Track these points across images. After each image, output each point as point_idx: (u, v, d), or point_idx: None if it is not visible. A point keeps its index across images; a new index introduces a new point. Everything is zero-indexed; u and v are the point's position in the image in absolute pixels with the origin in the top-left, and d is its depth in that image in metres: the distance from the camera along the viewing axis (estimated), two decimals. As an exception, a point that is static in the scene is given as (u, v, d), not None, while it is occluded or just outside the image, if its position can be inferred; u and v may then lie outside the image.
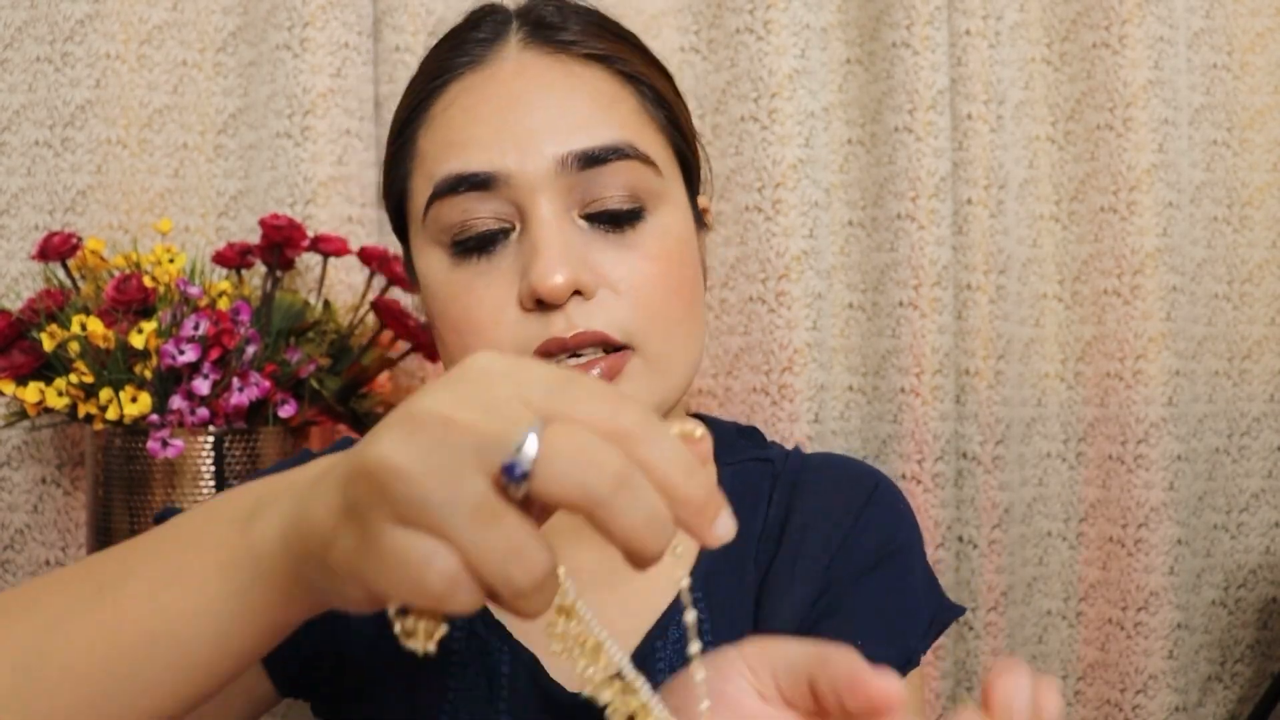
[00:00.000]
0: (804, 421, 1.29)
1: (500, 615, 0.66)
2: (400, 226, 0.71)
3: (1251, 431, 1.50)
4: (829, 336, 1.34)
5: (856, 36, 1.37)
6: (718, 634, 0.67)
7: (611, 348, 0.62)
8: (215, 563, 0.41)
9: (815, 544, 0.68)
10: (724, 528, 0.36)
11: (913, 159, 1.31)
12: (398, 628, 0.37)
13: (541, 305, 0.60)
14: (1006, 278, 1.39)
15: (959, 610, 0.71)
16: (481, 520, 0.33)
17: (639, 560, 0.36)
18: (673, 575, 0.68)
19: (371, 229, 1.27)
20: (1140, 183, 1.38)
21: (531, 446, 0.33)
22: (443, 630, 0.37)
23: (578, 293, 0.60)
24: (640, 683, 0.39)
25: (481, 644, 0.66)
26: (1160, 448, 1.38)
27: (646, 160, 0.63)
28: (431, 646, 0.37)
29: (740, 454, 0.74)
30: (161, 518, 0.67)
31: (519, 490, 0.33)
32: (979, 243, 1.35)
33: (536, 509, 0.37)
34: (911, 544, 0.71)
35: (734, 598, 0.68)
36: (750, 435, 0.78)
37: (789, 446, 0.77)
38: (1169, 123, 1.39)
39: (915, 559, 0.71)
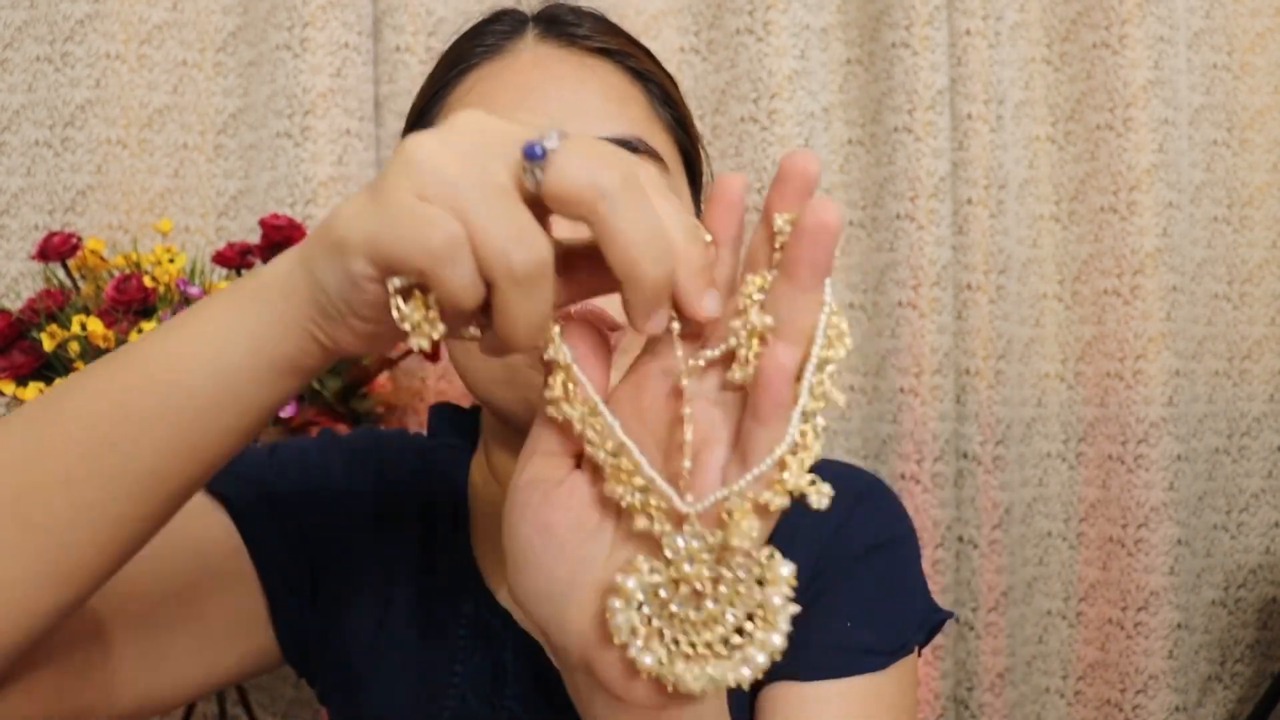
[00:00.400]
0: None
1: (505, 602, 0.67)
2: None
3: (1251, 431, 1.50)
4: (829, 336, 1.34)
5: (856, 37, 1.37)
6: None
7: (611, 327, 0.62)
8: (222, 304, 0.42)
9: (806, 536, 0.68)
10: (713, 301, 0.38)
11: (912, 159, 1.31)
12: (396, 312, 0.37)
13: None
14: (1006, 278, 1.39)
15: (948, 614, 0.71)
16: (492, 199, 0.35)
17: (636, 277, 0.36)
18: None
19: (371, 229, 1.27)
20: (1140, 183, 1.38)
21: (553, 140, 0.36)
22: (440, 328, 0.38)
23: None
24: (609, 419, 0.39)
25: (486, 631, 0.66)
26: (1160, 448, 1.38)
27: (656, 157, 0.64)
28: (425, 341, 0.38)
29: None
30: None
31: (536, 176, 0.35)
32: (979, 243, 1.35)
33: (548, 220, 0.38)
34: (905, 540, 0.70)
35: None
36: None
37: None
38: (1169, 123, 1.39)
39: (909, 555, 0.71)
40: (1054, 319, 1.45)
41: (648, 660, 0.38)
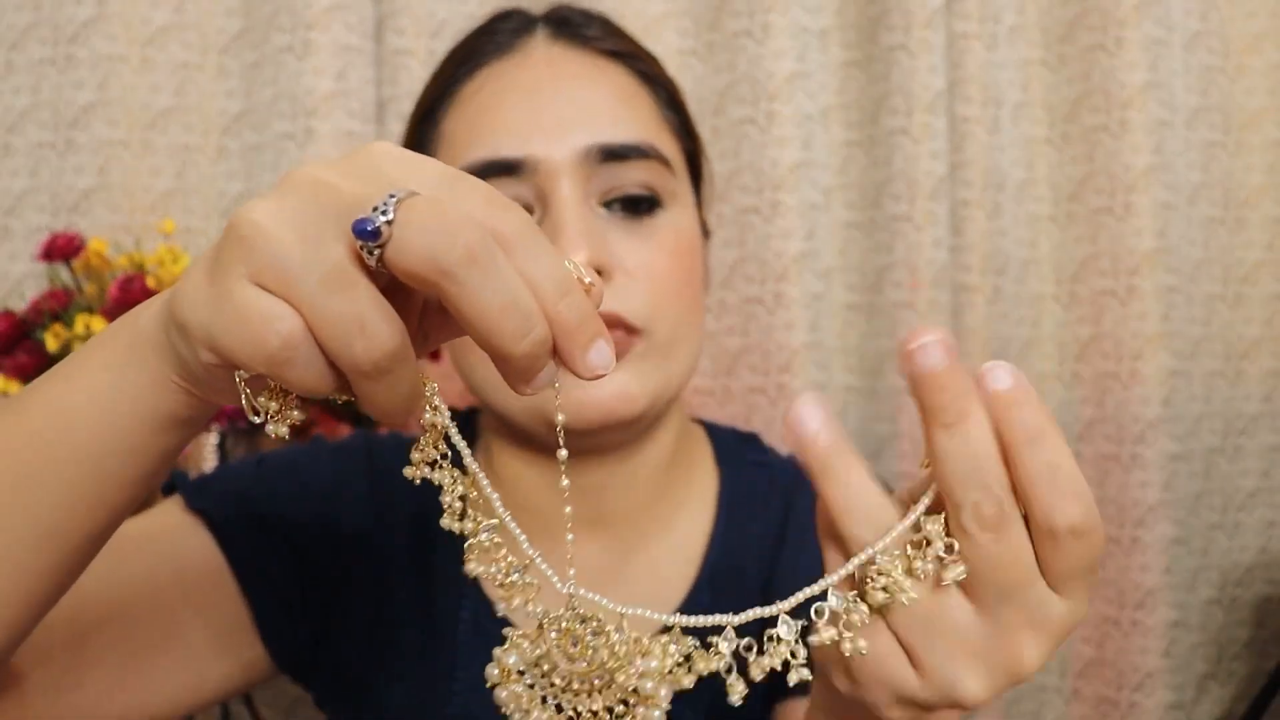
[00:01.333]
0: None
1: (505, 610, 0.67)
2: None
3: (1248, 431, 1.51)
4: (827, 337, 1.35)
5: (854, 39, 1.38)
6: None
7: (625, 331, 0.63)
8: (102, 356, 0.41)
9: (807, 556, 0.69)
10: (598, 356, 0.35)
11: (910, 161, 1.31)
12: (245, 403, 0.36)
13: None
14: (1004, 279, 1.40)
15: None
16: (330, 285, 0.32)
17: (500, 354, 0.34)
18: (681, 579, 0.69)
19: (373, 230, 1.28)
20: (1137, 184, 1.39)
21: (389, 212, 0.32)
22: (295, 415, 0.36)
23: (597, 273, 0.61)
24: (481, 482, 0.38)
25: (487, 639, 0.66)
26: (1156, 447, 1.39)
27: (664, 160, 0.65)
28: (281, 429, 0.36)
29: (741, 460, 0.75)
30: (170, 488, 0.67)
31: (372, 254, 0.32)
32: (976, 244, 1.36)
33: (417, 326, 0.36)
34: None
35: (739, 598, 0.69)
36: (750, 442, 0.79)
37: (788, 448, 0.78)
38: (1166, 124, 1.40)
39: None
40: (1051, 319, 1.46)
41: None
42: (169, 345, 0.38)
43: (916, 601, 0.36)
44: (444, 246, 0.32)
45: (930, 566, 0.36)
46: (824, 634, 0.37)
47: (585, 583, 0.68)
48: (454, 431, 0.38)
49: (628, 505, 0.68)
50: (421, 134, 0.69)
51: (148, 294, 1.05)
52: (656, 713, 0.38)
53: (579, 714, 0.38)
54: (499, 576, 0.38)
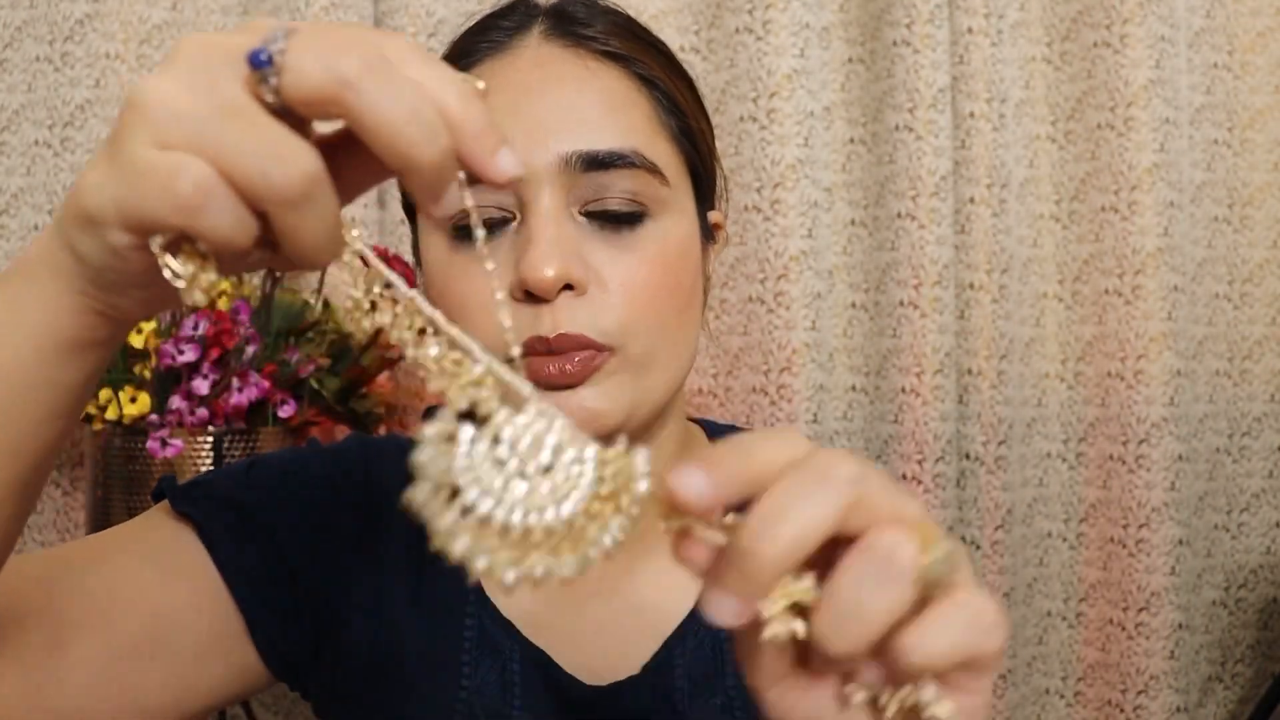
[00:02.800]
0: (803, 422, 1.29)
1: (509, 614, 0.66)
2: (410, 205, 0.71)
3: (1252, 431, 1.50)
4: (829, 336, 1.34)
5: (857, 35, 1.37)
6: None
7: (593, 350, 0.61)
8: None
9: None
10: (506, 162, 0.35)
11: (914, 158, 1.30)
12: (167, 272, 0.35)
13: (531, 297, 0.60)
14: (1008, 277, 1.39)
15: None
16: (232, 121, 0.32)
17: (409, 164, 0.33)
18: (689, 584, 0.68)
19: (372, 229, 1.27)
20: (1141, 182, 1.38)
21: (279, 41, 0.32)
22: (212, 278, 0.35)
23: (569, 287, 0.60)
24: (421, 303, 0.36)
25: (491, 643, 0.66)
26: (1161, 448, 1.38)
27: (652, 169, 0.62)
28: (197, 295, 0.35)
29: None
30: (159, 494, 0.66)
31: (270, 85, 0.32)
32: (980, 242, 1.35)
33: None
34: None
35: None
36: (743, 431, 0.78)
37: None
38: (1170, 122, 1.39)
39: None
40: (1055, 319, 1.45)
41: (458, 548, 0.34)
42: (66, 257, 0.37)
43: None
44: (340, 60, 0.32)
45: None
46: None
47: (586, 593, 0.68)
48: (374, 259, 0.37)
49: None
50: None
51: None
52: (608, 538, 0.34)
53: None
54: (460, 401, 0.35)
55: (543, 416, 0.35)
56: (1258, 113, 1.50)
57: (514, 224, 0.62)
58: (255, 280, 1.15)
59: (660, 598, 0.68)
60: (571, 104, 0.62)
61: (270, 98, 0.33)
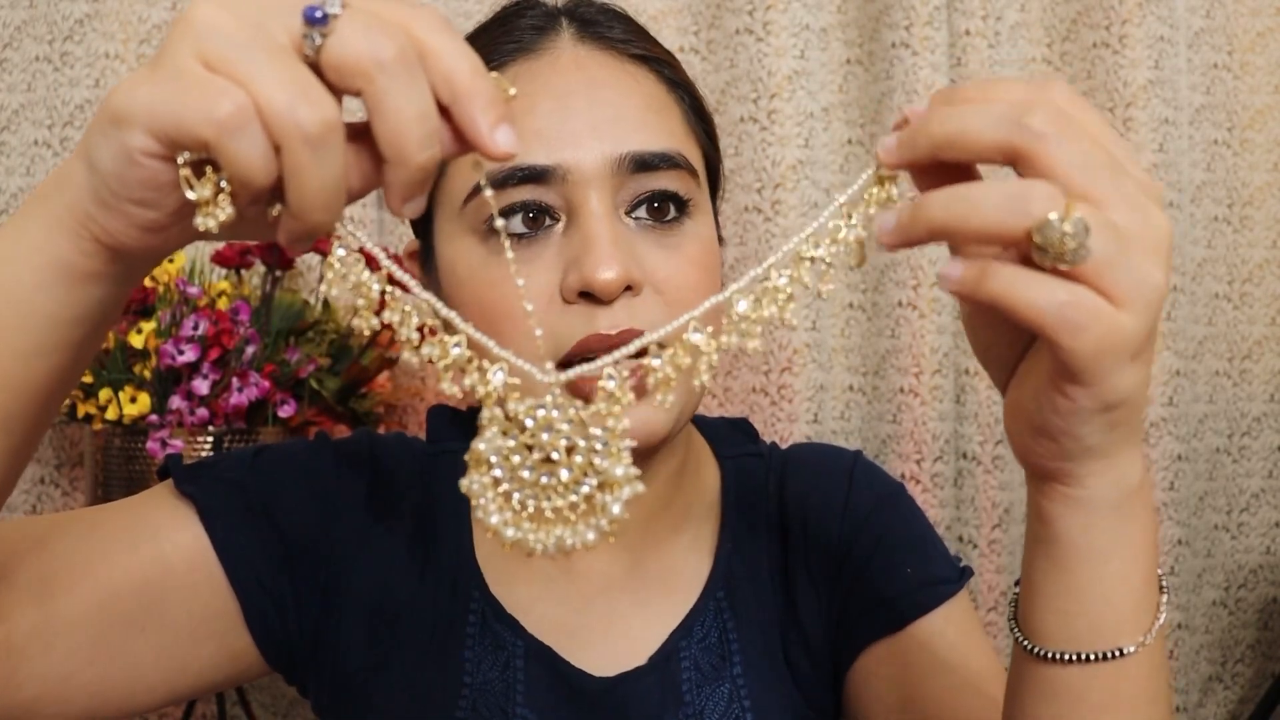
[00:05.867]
0: (803, 421, 1.29)
1: (513, 610, 0.66)
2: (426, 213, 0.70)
3: (1252, 431, 1.50)
4: (828, 337, 1.34)
5: (856, 37, 1.37)
6: (741, 624, 0.68)
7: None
8: (15, 215, 0.41)
9: (819, 518, 0.70)
10: (504, 138, 0.37)
11: (913, 159, 1.30)
12: (185, 185, 0.37)
13: (587, 298, 0.60)
14: (1006, 278, 1.39)
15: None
16: (275, 58, 0.35)
17: (401, 158, 0.36)
18: (695, 577, 0.69)
19: (371, 229, 1.27)
20: (1140, 182, 1.38)
21: (335, 5, 0.35)
22: (229, 210, 0.37)
23: (629, 288, 0.60)
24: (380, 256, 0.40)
25: (495, 639, 0.66)
26: (1161, 447, 1.38)
27: (692, 171, 0.64)
28: (212, 222, 0.37)
29: (736, 449, 0.75)
30: (164, 472, 0.67)
31: (315, 39, 0.35)
32: (979, 242, 1.35)
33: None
34: (901, 489, 0.74)
35: (754, 591, 0.69)
36: (741, 428, 0.78)
37: (786, 448, 0.78)
38: (1169, 122, 1.39)
39: (911, 502, 0.74)
40: (1054, 319, 1.45)
41: (493, 520, 0.39)
42: (78, 166, 0.39)
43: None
44: (383, 44, 0.35)
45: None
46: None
47: (594, 590, 0.68)
48: (367, 243, 0.39)
49: (639, 515, 0.67)
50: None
51: (144, 293, 1.04)
52: (616, 507, 0.38)
53: (544, 511, 0.39)
54: (479, 382, 0.39)
55: (558, 406, 0.38)
56: (1257, 113, 1.50)
57: (559, 225, 0.61)
58: (255, 280, 1.15)
59: (666, 591, 0.68)
60: (618, 106, 0.62)
61: (310, 53, 0.36)
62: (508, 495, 0.39)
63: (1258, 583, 1.50)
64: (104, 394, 1.02)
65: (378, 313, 0.40)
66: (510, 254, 0.40)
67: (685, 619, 0.67)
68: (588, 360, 0.41)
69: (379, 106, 0.36)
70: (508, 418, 0.39)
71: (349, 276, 0.39)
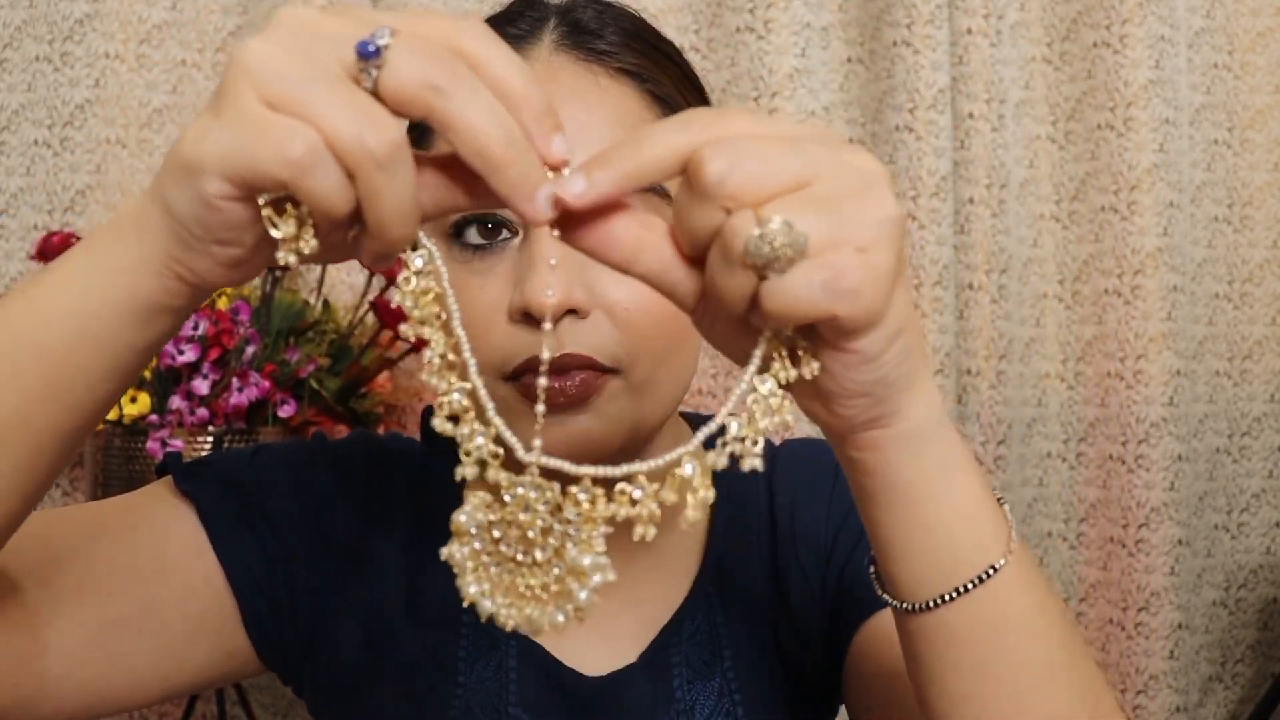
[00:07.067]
0: (804, 421, 1.29)
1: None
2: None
3: (1252, 431, 1.50)
4: (829, 336, 1.34)
5: (857, 35, 1.37)
6: (731, 619, 0.68)
7: (597, 371, 0.60)
8: (84, 247, 0.42)
9: (808, 508, 0.70)
10: (560, 146, 0.38)
11: (913, 158, 1.30)
12: (270, 226, 0.37)
13: (531, 319, 0.58)
14: (1007, 277, 1.39)
15: None
16: (335, 91, 0.36)
17: (491, 160, 0.36)
18: (684, 574, 0.69)
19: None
20: (1141, 182, 1.38)
21: (385, 37, 0.36)
22: (313, 243, 0.38)
23: (572, 311, 0.59)
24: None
25: (488, 640, 0.66)
26: (1161, 448, 1.38)
27: (661, 194, 0.61)
28: (294, 257, 0.38)
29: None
30: (163, 468, 0.67)
31: (371, 73, 0.36)
32: (980, 242, 1.35)
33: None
34: None
35: (744, 588, 0.69)
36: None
37: (778, 444, 0.78)
38: (1170, 122, 1.39)
39: None
40: (1054, 319, 1.45)
41: (471, 590, 0.40)
42: (156, 210, 0.39)
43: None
44: (434, 66, 0.36)
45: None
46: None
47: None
48: (444, 279, 0.39)
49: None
50: (419, 136, 0.67)
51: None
52: (583, 595, 0.39)
53: (517, 587, 0.40)
54: (464, 440, 0.40)
55: (537, 487, 0.39)
56: (1257, 113, 1.50)
57: (516, 239, 0.60)
58: (255, 280, 1.15)
59: (656, 590, 0.68)
60: (581, 123, 0.60)
61: (367, 87, 0.36)
62: (486, 566, 0.40)
63: (1258, 583, 1.50)
64: (104, 394, 1.02)
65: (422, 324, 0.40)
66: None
67: (675, 615, 0.67)
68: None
69: (451, 128, 0.36)
70: (490, 489, 0.39)
71: (430, 290, 0.39)
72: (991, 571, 0.43)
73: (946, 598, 0.43)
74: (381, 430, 1.19)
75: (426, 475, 0.71)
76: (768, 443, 0.77)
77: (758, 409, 0.38)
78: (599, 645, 0.66)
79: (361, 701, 0.67)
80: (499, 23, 0.67)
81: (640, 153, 0.38)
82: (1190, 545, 1.43)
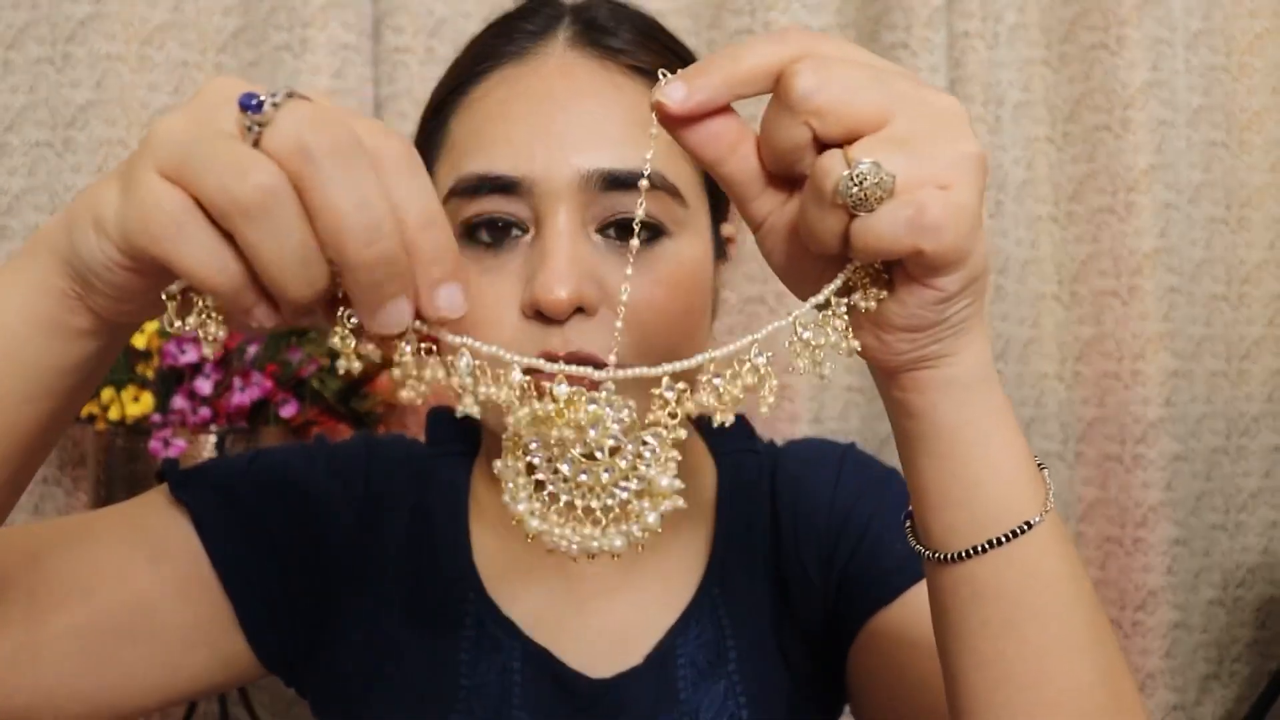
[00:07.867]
0: (804, 421, 1.30)
1: (508, 612, 0.66)
2: None
3: (1249, 431, 1.50)
4: (828, 337, 1.34)
5: (855, 38, 1.37)
6: (736, 620, 0.68)
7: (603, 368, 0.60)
8: (13, 259, 0.42)
9: (810, 503, 0.70)
10: (448, 298, 0.36)
11: (912, 160, 1.31)
12: (167, 324, 0.37)
13: (541, 316, 0.59)
14: (1005, 278, 1.39)
15: None
16: (207, 144, 0.34)
17: (345, 258, 0.34)
18: (689, 576, 0.69)
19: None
20: (1139, 183, 1.39)
21: (278, 97, 0.34)
22: (220, 334, 0.37)
23: (581, 309, 0.59)
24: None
25: (491, 642, 0.66)
26: (1158, 447, 1.39)
27: (673, 192, 0.61)
28: (209, 349, 0.37)
29: (733, 445, 0.74)
30: (162, 475, 0.67)
31: (253, 129, 0.34)
32: (978, 243, 1.35)
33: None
34: (890, 476, 0.73)
35: (749, 589, 0.69)
36: (738, 425, 0.77)
37: (782, 444, 0.78)
38: (1167, 124, 1.40)
39: (903, 485, 0.74)
40: (1052, 319, 1.45)
41: (520, 507, 0.38)
42: (65, 242, 0.39)
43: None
44: (313, 135, 0.33)
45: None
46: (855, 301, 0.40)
47: (590, 592, 0.69)
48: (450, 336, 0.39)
49: None
50: (430, 132, 0.66)
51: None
52: (652, 517, 0.38)
53: (575, 508, 0.38)
54: (498, 393, 0.38)
55: (610, 404, 0.38)
56: (1255, 114, 1.50)
57: (528, 236, 0.60)
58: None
59: (661, 592, 0.68)
60: (595, 120, 0.60)
61: (249, 141, 0.34)
62: (540, 484, 0.38)
63: (1255, 582, 1.50)
64: (107, 394, 1.02)
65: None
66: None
67: (681, 617, 0.67)
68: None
69: (312, 201, 0.33)
70: (555, 402, 0.37)
71: (424, 374, 0.38)
72: (1026, 527, 0.43)
73: (979, 548, 0.44)
74: (382, 430, 1.20)
75: (429, 475, 0.71)
76: (771, 443, 0.77)
77: (829, 326, 0.39)
78: (603, 647, 0.66)
79: (364, 704, 0.67)
80: (512, 17, 0.67)
81: (738, 63, 0.38)
82: (1188, 544, 1.43)
